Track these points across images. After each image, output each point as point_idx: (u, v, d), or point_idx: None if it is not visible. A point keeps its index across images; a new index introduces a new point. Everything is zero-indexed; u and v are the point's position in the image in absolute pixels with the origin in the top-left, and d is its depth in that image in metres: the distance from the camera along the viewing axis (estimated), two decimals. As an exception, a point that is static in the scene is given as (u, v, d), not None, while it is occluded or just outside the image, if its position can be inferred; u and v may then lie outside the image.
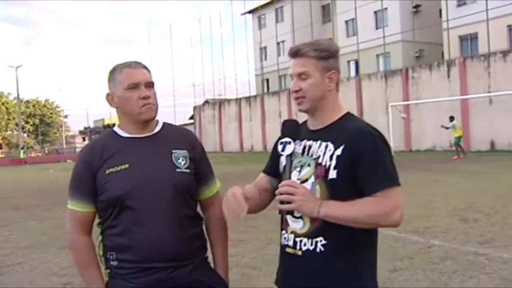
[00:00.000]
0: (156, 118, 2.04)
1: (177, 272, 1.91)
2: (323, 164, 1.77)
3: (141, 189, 1.89)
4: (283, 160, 1.91)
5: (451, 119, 20.71)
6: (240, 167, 19.06)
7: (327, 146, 1.80)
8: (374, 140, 1.76)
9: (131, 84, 1.93)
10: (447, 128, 20.75)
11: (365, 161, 1.72)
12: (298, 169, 1.84)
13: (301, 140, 1.89)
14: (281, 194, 1.73)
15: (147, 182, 1.90)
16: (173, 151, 1.99)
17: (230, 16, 70.88)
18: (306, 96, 1.84)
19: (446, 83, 25.88)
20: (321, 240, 1.76)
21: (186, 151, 2.01)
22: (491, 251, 5.48)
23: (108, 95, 2.01)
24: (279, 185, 1.77)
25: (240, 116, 41.88)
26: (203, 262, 2.05)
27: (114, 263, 1.94)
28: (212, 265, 2.13)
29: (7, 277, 5.60)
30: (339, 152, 1.75)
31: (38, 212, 10.84)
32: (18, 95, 57.71)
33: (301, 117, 2.01)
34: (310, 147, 1.85)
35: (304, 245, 1.79)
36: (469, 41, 30.10)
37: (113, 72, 1.99)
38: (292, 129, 1.91)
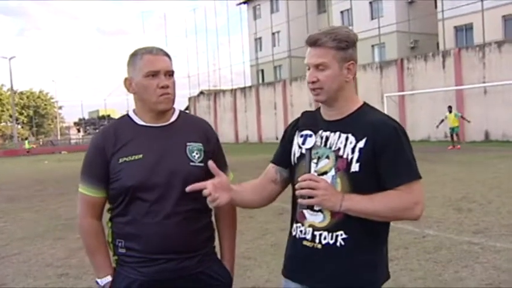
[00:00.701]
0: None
1: (184, 263, 1.91)
2: (344, 156, 1.73)
3: (152, 181, 1.87)
4: (296, 151, 1.86)
5: (449, 108, 20.73)
6: (238, 157, 19.05)
7: (347, 138, 1.74)
8: (396, 132, 1.73)
9: (151, 72, 1.88)
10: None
11: (387, 154, 1.70)
12: (315, 161, 1.77)
13: (317, 131, 1.81)
14: (302, 188, 1.68)
15: (159, 174, 1.88)
16: (188, 144, 1.96)
17: (225, 6, 70.77)
18: (323, 88, 1.77)
19: (441, 73, 25.91)
20: (341, 234, 1.73)
21: (200, 144, 1.98)
22: (485, 240, 5.52)
23: (126, 79, 1.96)
24: (299, 178, 1.70)
25: (235, 107, 41.79)
26: (210, 253, 2.05)
27: (122, 251, 1.93)
28: (219, 255, 2.13)
29: (2, 268, 5.58)
30: (361, 144, 1.71)
31: (33, 203, 10.79)
32: (11, 86, 57.52)
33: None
34: (327, 138, 1.79)
35: (324, 238, 1.76)
36: (464, 31, 30.10)
37: (134, 56, 1.93)
38: (312, 121, 1.81)
